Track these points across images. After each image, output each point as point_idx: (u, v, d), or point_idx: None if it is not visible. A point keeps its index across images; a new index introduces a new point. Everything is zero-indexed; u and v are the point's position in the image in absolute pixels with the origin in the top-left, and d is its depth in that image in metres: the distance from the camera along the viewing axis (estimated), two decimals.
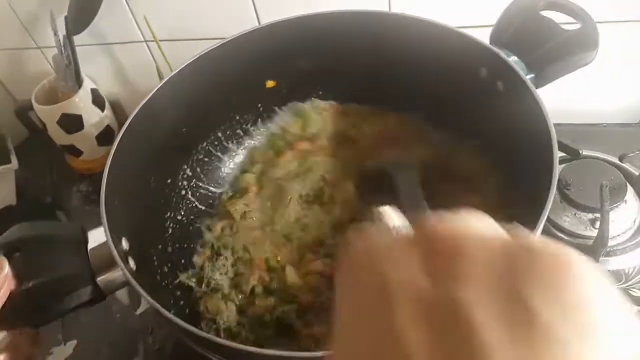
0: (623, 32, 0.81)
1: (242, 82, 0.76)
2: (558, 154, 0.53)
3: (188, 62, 0.68)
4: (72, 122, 1.01)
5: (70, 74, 0.96)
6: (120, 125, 1.12)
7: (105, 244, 0.53)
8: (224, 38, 0.71)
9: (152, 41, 0.97)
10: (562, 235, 0.77)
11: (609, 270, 0.73)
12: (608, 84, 0.90)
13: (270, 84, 0.78)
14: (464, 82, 0.66)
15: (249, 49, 0.72)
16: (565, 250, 0.23)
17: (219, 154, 0.83)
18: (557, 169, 0.52)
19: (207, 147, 0.81)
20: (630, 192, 0.78)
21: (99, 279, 0.54)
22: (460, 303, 0.21)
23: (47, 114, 1.01)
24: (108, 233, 0.53)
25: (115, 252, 0.52)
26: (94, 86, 1.05)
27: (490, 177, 0.69)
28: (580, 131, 0.94)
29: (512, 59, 0.61)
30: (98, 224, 0.95)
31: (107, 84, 1.09)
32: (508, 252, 0.23)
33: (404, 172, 0.59)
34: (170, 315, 0.48)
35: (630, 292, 0.71)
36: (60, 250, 0.54)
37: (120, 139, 0.60)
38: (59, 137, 1.04)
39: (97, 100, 1.04)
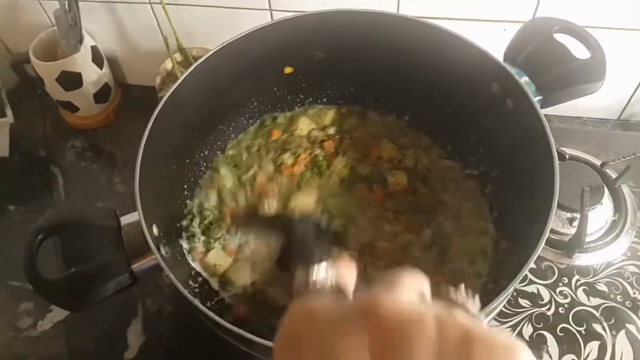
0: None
1: (262, 68, 0.78)
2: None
3: (212, 51, 0.69)
4: (71, 80, 1.00)
5: (74, 34, 0.94)
6: (117, 83, 1.12)
7: (136, 227, 0.57)
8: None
9: (158, 3, 0.96)
10: None
11: (579, 266, 0.82)
12: None
13: (288, 70, 0.82)
14: (476, 94, 0.69)
15: (269, 39, 0.74)
16: (512, 342, 0.25)
17: (236, 133, 0.87)
18: (558, 183, 0.57)
19: (224, 128, 0.84)
20: (606, 194, 0.86)
21: (133, 266, 0.57)
22: None
23: (46, 70, 0.99)
24: (144, 225, 0.56)
25: (152, 243, 0.55)
26: (93, 43, 1.03)
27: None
28: (563, 129, 1.01)
29: (524, 80, 0.65)
30: (95, 182, 0.97)
31: (106, 40, 1.06)
32: (456, 344, 0.24)
33: (302, 226, 0.59)
34: (198, 304, 0.53)
35: (596, 285, 0.80)
36: (97, 236, 0.57)
37: (150, 131, 0.62)
38: (56, 93, 1.03)
39: (97, 58, 1.03)
